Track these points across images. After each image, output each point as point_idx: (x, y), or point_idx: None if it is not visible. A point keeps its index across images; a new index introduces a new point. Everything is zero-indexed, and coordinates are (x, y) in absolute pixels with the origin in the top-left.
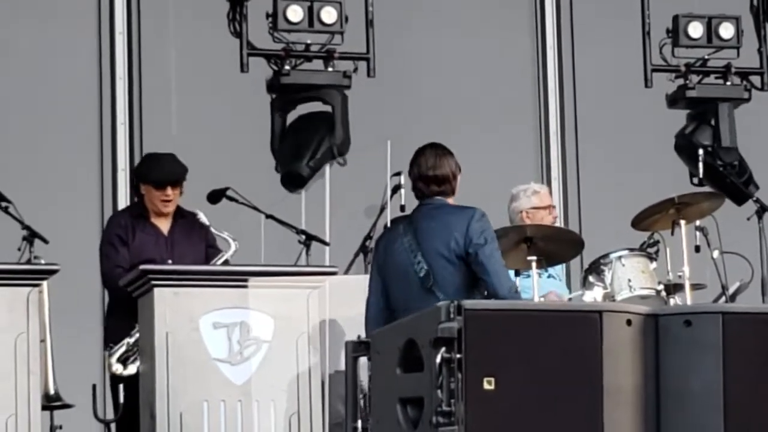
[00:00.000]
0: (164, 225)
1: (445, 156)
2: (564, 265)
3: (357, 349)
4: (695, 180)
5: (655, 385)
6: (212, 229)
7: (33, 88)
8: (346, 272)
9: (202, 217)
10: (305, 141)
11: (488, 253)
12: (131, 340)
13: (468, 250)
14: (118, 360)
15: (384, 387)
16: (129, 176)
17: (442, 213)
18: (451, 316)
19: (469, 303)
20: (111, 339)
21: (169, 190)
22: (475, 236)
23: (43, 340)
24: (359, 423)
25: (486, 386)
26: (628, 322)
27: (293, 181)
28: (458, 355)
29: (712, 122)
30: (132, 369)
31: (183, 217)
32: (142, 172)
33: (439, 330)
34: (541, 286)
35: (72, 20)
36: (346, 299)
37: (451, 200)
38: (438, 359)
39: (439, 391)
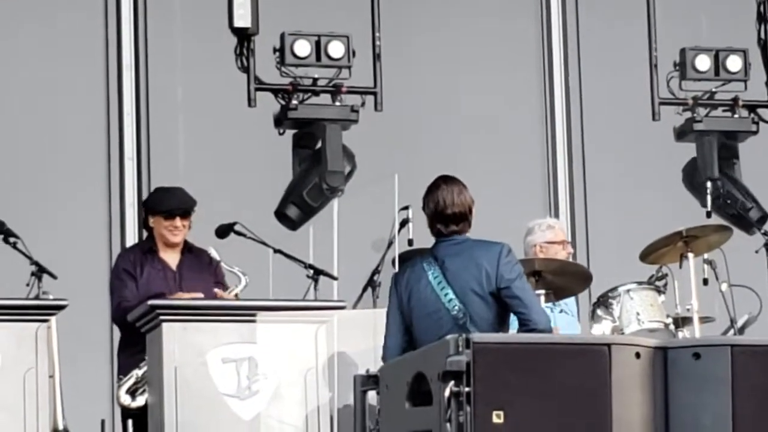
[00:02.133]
0: (173, 259)
1: (462, 192)
2: (574, 299)
3: (366, 382)
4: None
5: (664, 419)
6: (223, 264)
7: (40, 125)
8: (354, 307)
9: (213, 253)
10: (295, 182)
11: (522, 286)
12: (140, 372)
13: (500, 286)
14: (127, 392)
15: (393, 420)
16: (137, 211)
17: (467, 248)
18: (460, 349)
19: (477, 336)
20: (122, 373)
21: (178, 221)
22: (507, 271)
23: (51, 376)
24: None
25: (495, 420)
26: (637, 355)
27: (284, 222)
28: (467, 389)
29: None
30: (140, 401)
31: (191, 252)
32: (152, 204)
33: (448, 363)
34: (552, 322)
35: (79, 55)
36: (354, 334)
37: (468, 234)
38: (447, 393)
39: (448, 425)
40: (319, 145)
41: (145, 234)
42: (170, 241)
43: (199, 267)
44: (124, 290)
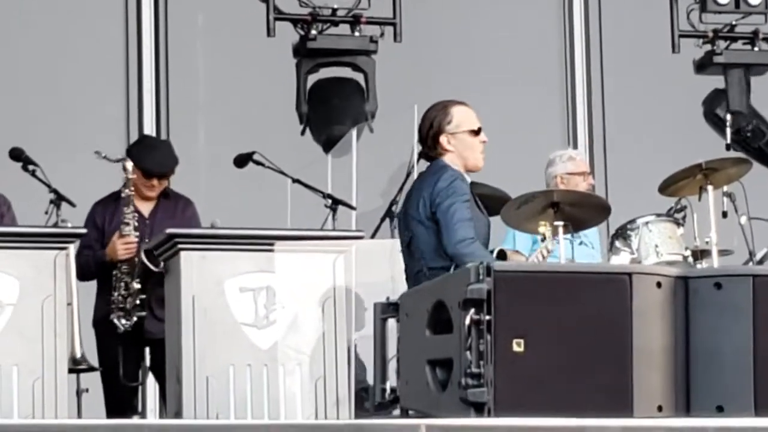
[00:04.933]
0: (146, 207)
1: (426, 114)
2: (598, 233)
3: (386, 310)
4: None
5: (684, 348)
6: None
7: (59, 49)
8: (373, 237)
9: (218, 223)
10: (341, 106)
11: (444, 209)
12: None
13: (432, 210)
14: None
15: (413, 348)
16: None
17: (421, 177)
18: (481, 277)
19: (498, 264)
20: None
21: (155, 181)
22: (438, 196)
23: (69, 304)
24: (388, 384)
25: (515, 348)
26: (658, 285)
27: (332, 144)
28: (487, 317)
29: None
30: (126, 324)
31: (167, 198)
32: (135, 155)
33: (468, 291)
34: (570, 253)
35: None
36: (372, 264)
37: (447, 159)
38: (467, 321)
39: (468, 353)
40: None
41: None
42: (145, 195)
43: (172, 213)
44: (87, 239)
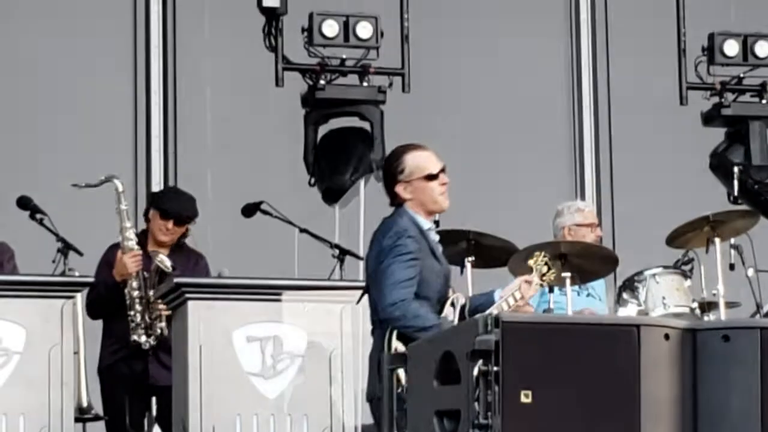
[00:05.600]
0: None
1: (383, 164)
2: (605, 284)
3: (394, 361)
4: (732, 198)
5: (692, 401)
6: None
7: (68, 104)
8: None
9: (226, 272)
10: (345, 156)
11: (381, 270)
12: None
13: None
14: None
15: (421, 399)
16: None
17: (382, 223)
18: (489, 328)
19: (506, 315)
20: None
21: (171, 224)
22: (380, 254)
23: (76, 352)
24: None
25: (523, 399)
26: (666, 337)
27: (334, 195)
28: (495, 368)
29: (746, 140)
30: (150, 341)
31: (181, 250)
32: (157, 198)
33: (477, 342)
34: (577, 305)
35: (108, 35)
36: None
37: (408, 206)
38: (475, 372)
39: (476, 404)
40: (337, 125)
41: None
42: (158, 239)
43: (185, 265)
44: (97, 280)
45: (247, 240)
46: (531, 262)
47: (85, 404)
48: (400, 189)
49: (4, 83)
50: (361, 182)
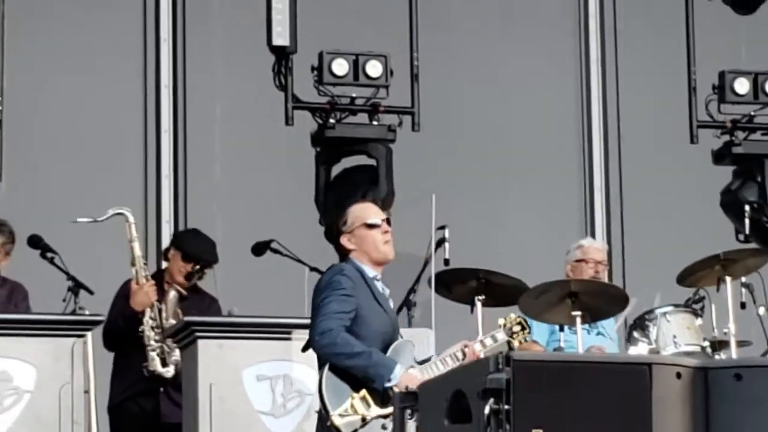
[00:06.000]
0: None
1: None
2: (615, 323)
3: (405, 399)
4: (741, 236)
5: None
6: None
7: (78, 142)
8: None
9: (236, 311)
10: (348, 194)
11: (315, 305)
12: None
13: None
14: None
15: None
16: (173, 230)
17: None
18: (500, 367)
19: (517, 354)
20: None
21: (191, 266)
22: (315, 294)
23: (87, 391)
24: None
25: None
26: (678, 375)
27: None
28: (506, 407)
29: (758, 178)
30: (171, 369)
31: (197, 293)
32: (179, 238)
33: (488, 381)
34: (587, 343)
35: (117, 73)
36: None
37: (353, 256)
38: (486, 410)
39: None
40: (348, 165)
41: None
42: (176, 279)
43: (199, 308)
44: (114, 312)
45: (257, 278)
46: (501, 321)
47: None
48: (344, 240)
49: (14, 121)
50: None
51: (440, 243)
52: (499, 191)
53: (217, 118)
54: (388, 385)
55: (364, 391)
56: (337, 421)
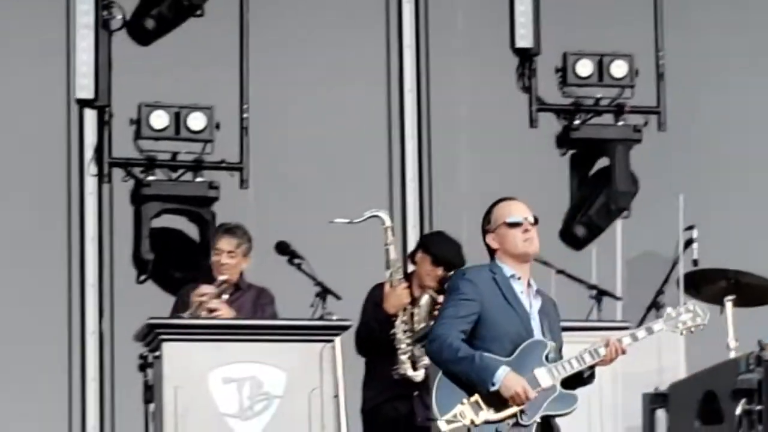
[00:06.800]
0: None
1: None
2: None
3: (654, 401)
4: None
5: None
6: None
7: (325, 146)
8: (638, 326)
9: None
10: (582, 199)
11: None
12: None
13: None
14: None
15: None
16: (419, 232)
17: None
18: (751, 367)
19: None
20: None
21: (441, 271)
22: None
23: (336, 396)
24: None
25: None
26: None
27: (570, 240)
28: (758, 407)
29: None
30: (420, 373)
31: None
32: (428, 241)
33: (739, 381)
34: None
35: (362, 81)
36: (638, 355)
37: (497, 256)
38: (738, 411)
39: None
40: (596, 167)
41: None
42: (425, 284)
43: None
44: (366, 317)
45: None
46: (669, 310)
47: None
48: (489, 239)
49: (260, 128)
50: (618, 222)
51: (688, 243)
52: (748, 193)
53: (461, 122)
54: (492, 389)
55: (476, 396)
56: (443, 427)
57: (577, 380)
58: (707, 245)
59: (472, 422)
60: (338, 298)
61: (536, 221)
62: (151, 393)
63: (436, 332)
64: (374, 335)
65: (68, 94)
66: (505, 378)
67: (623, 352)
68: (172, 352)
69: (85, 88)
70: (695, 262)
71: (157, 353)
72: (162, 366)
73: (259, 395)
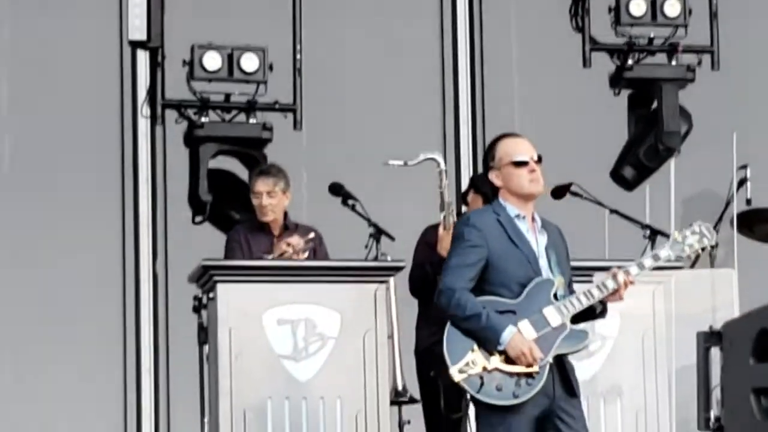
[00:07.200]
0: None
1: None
2: None
3: (708, 339)
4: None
5: None
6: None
7: (376, 84)
8: (692, 267)
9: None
10: (634, 139)
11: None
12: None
13: None
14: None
15: (736, 377)
16: (472, 173)
17: None
18: None
19: None
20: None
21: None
22: None
23: (390, 336)
24: (712, 413)
25: None
26: None
27: (619, 181)
28: None
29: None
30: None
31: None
32: (479, 182)
33: None
34: None
35: (416, 18)
36: (691, 294)
37: (501, 194)
38: None
39: None
40: (654, 105)
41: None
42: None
43: None
44: (419, 258)
45: (557, 222)
46: (676, 234)
47: (400, 387)
48: (492, 176)
49: (314, 70)
50: (672, 162)
51: (742, 182)
52: None
53: (514, 62)
54: (499, 349)
55: None
56: (457, 376)
57: (589, 316)
58: (761, 184)
59: (485, 368)
60: (392, 238)
61: (540, 159)
62: (205, 334)
63: (444, 284)
64: (427, 277)
65: (121, 36)
66: (511, 339)
67: (631, 283)
68: (227, 293)
69: (138, 30)
70: (748, 201)
71: (211, 294)
72: (216, 307)
73: (313, 336)
